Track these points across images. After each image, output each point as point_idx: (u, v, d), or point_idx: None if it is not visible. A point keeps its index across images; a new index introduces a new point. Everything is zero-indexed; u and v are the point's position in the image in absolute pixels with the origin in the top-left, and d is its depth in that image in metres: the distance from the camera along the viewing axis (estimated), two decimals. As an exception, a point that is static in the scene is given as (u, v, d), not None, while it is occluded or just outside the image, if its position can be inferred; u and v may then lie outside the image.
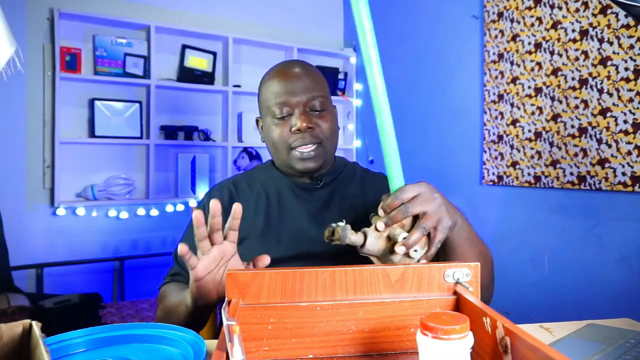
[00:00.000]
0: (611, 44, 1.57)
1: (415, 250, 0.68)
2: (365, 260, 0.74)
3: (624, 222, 1.55)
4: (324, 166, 0.97)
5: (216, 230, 0.71)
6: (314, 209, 0.96)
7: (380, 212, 0.71)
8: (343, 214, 0.95)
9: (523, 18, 1.89)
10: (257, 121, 1.05)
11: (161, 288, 0.97)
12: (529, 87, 1.85)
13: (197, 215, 0.69)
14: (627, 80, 1.52)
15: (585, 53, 1.65)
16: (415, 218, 0.71)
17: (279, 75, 0.97)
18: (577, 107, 1.67)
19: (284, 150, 0.95)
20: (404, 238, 0.68)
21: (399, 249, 0.67)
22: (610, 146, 1.57)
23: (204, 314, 0.81)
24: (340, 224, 0.70)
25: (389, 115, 0.75)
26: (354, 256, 0.75)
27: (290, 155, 0.95)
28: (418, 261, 0.69)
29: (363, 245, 0.69)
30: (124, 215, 2.44)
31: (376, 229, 0.70)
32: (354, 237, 0.69)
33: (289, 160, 0.95)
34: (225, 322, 0.46)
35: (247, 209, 0.96)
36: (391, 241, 0.69)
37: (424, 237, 0.69)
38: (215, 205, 0.69)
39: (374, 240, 0.70)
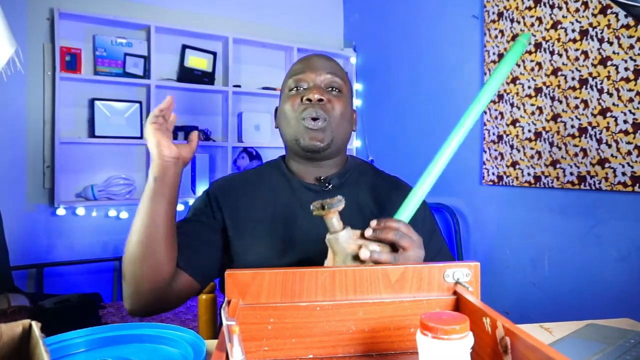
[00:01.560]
0: (611, 44, 1.57)
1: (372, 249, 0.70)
2: None
3: (624, 222, 1.55)
4: (330, 148, 0.94)
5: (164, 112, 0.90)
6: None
7: (373, 223, 0.72)
8: (350, 218, 0.94)
9: (523, 18, 1.89)
10: (275, 111, 1.04)
11: None
12: (529, 87, 1.85)
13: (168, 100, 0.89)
14: (627, 80, 1.52)
15: (585, 53, 1.65)
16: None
17: (302, 59, 1.00)
18: (577, 107, 1.67)
19: (293, 122, 0.94)
20: (376, 251, 0.69)
21: (364, 253, 0.68)
22: (610, 146, 1.57)
23: (162, 201, 0.82)
24: (339, 197, 0.70)
25: (445, 163, 0.81)
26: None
27: (299, 126, 0.93)
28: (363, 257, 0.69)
29: (336, 232, 0.69)
30: (124, 215, 2.44)
31: (362, 235, 0.71)
32: (336, 220, 0.69)
33: (297, 134, 0.93)
34: (225, 322, 0.46)
35: (255, 208, 0.95)
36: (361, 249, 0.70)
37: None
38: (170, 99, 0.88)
39: (347, 236, 0.70)
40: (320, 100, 0.92)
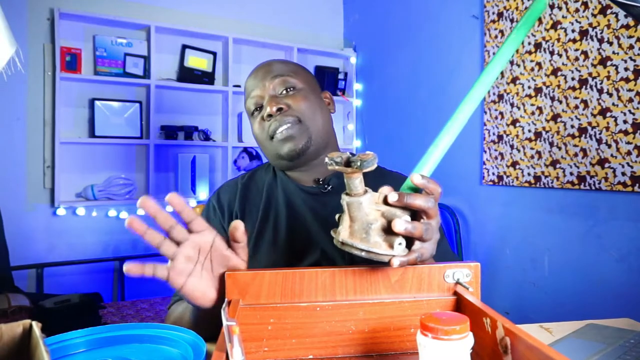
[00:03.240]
0: (611, 44, 1.57)
1: (400, 244, 0.58)
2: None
3: (624, 222, 1.55)
4: (311, 147, 0.90)
5: (170, 228, 0.62)
6: (322, 216, 0.91)
7: (393, 197, 0.58)
8: None
9: (523, 18, 1.88)
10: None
11: (169, 308, 0.90)
12: (529, 87, 1.85)
13: (131, 222, 0.59)
14: (627, 80, 1.52)
15: (585, 53, 1.65)
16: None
17: (251, 74, 0.97)
18: (577, 107, 1.67)
19: (266, 142, 0.91)
20: (408, 221, 0.57)
21: (399, 225, 0.56)
22: (610, 146, 1.57)
23: (210, 318, 0.68)
24: (374, 154, 0.57)
25: (463, 124, 0.68)
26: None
27: (273, 143, 0.90)
28: (388, 262, 0.57)
29: (358, 195, 0.57)
30: (124, 215, 2.44)
31: (385, 201, 0.58)
32: (359, 181, 0.57)
33: (274, 150, 0.91)
34: (225, 322, 0.46)
35: (255, 215, 0.93)
36: (384, 219, 0.58)
37: (403, 242, 0.58)
38: (147, 202, 0.60)
39: (371, 202, 0.58)
40: (279, 109, 0.89)
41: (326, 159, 0.57)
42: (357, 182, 0.57)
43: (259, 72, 0.94)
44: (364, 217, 0.58)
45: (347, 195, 0.58)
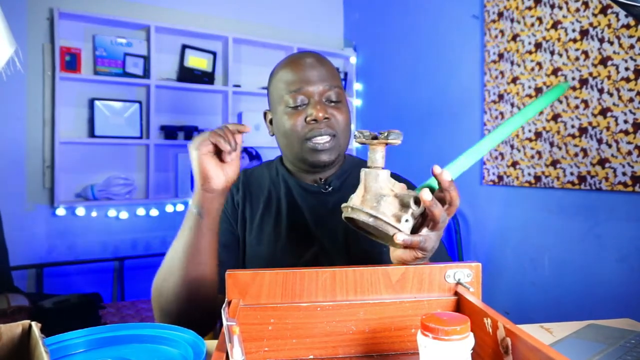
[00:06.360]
0: (611, 43, 1.56)
1: (407, 221, 0.61)
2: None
3: (624, 222, 1.54)
4: (336, 161, 0.93)
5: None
6: (321, 214, 0.92)
7: (437, 169, 0.63)
8: None
9: (523, 18, 1.88)
10: (264, 115, 1.00)
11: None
12: (529, 87, 1.85)
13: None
14: (628, 80, 1.52)
15: (585, 53, 1.65)
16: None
17: (292, 64, 0.93)
18: (577, 107, 1.67)
19: (296, 142, 0.89)
20: (408, 234, 0.61)
21: (400, 237, 0.60)
22: (610, 146, 1.57)
23: (207, 230, 0.77)
24: (399, 131, 0.62)
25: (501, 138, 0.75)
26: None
27: (304, 147, 0.89)
28: (392, 237, 0.60)
29: (378, 167, 0.62)
30: (123, 215, 2.44)
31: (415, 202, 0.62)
32: (381, 155, 0.63)
33: (302, 153, 0.90)
34: (225, 322, 0.46)
35: (257, 207, 0.95)
36: (396, 198, 0.62)
37: (411, 221, 0.62)
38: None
39: (387, 178, 0.63)
40: (326, 118, 0.88)
41: (355, 133, 0.64)
42: (378, 155, 0.63)
43: (309, 70, 0.91)
44: (378, 189, 0.62)
45: (367, 166, 0.64)
